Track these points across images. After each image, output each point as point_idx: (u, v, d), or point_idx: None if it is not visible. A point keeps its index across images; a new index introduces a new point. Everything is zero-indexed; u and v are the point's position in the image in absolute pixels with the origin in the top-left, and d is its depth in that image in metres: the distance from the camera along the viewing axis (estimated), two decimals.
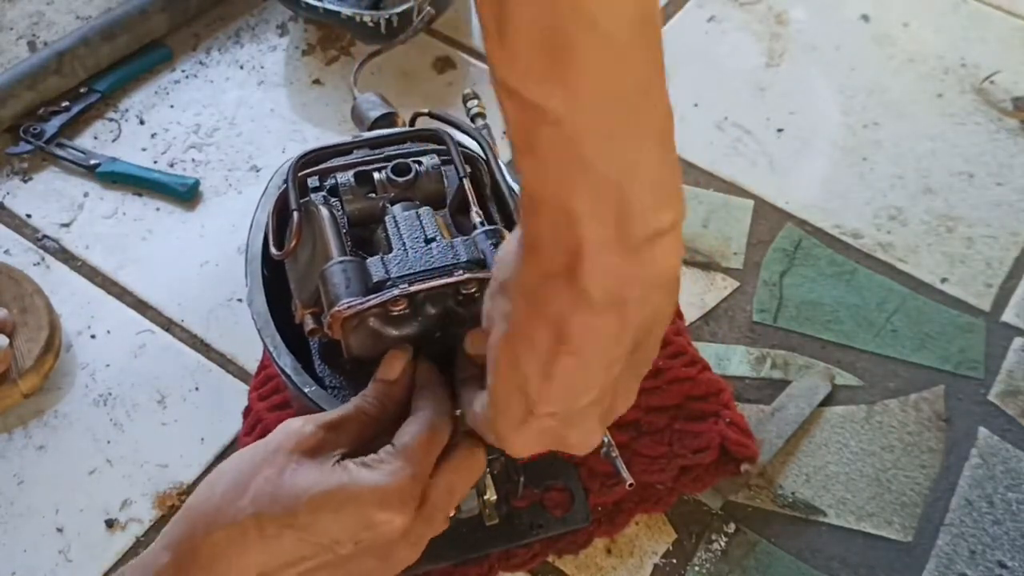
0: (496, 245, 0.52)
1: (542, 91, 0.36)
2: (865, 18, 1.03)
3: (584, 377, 0.42)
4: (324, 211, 0.56)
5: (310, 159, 0.60)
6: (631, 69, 0.36)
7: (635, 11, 0.35)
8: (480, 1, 0.37)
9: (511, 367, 0.42)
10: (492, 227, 0.54)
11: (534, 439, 0.45)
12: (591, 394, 0.42)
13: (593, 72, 0.35)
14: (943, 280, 0.84)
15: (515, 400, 0.43)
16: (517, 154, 0.39)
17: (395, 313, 0.50)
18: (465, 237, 0.53)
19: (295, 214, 0.56)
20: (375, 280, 0.51)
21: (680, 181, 0.40)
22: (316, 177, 0.59)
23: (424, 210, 0.55)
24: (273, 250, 0.57)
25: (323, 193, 0.59)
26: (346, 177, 0.58)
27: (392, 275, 0.51)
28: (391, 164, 0.58)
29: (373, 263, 0.51)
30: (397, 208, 0.56)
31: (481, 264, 0.52)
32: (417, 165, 0.58)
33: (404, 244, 0.53)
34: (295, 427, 0.49)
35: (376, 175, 0.58)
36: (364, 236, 0.57)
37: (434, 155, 0.60)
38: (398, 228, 0.54)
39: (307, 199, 0.57)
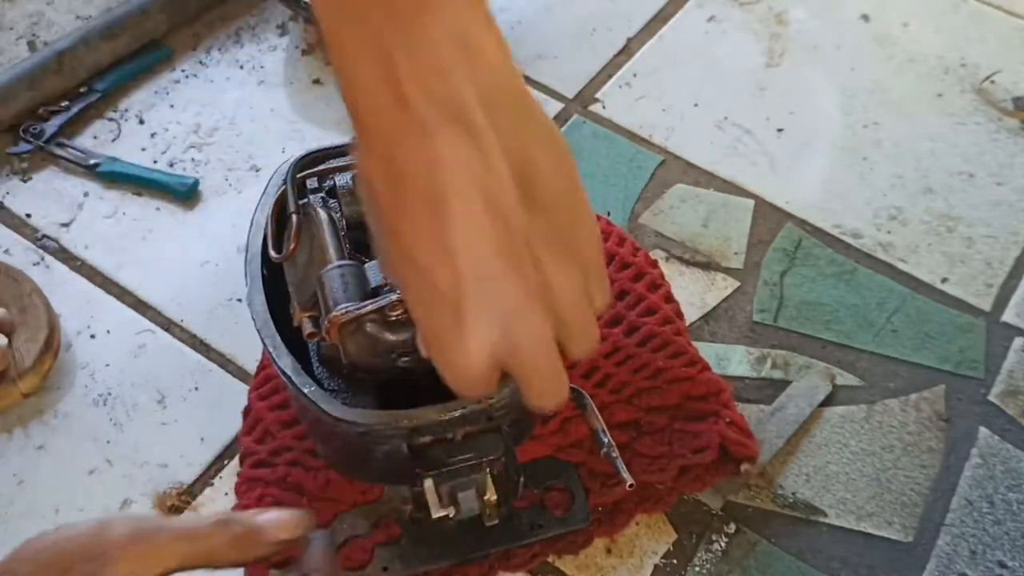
0: None
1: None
2: (865, 18, 1.03)
3: (472, 226, 0.38)
4: (323, 214, 0.55)
5: (309, 160, 0.60)
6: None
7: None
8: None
9: (410, 266, 0.40)
10: None
11: (478, 348, 0.40)
12: (490, 245, 0.39)
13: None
14: (943, 280, 0.84)
15: (435, 305, 0.40)
16: None
17: (393, 318, 0.50)
18: None
19: (294, 217, 0.56)
20: (373, 285, 0.51)
21: None
22: (315, 178, 0.59)
23: None
24: (272, 253, 0.57)
25: (321, 195, 0.58)
26: (345, 179, 0.58)
27: (390, 280, 0.51)
28: None
29: (371, 268, 0.51)
30: None
31: None
32: None
33: None
34: (118, 533, 0.45)
35: None
36: (362, 239, 0.57)
37: None
38: None
39: (306, 201, 0.57)
